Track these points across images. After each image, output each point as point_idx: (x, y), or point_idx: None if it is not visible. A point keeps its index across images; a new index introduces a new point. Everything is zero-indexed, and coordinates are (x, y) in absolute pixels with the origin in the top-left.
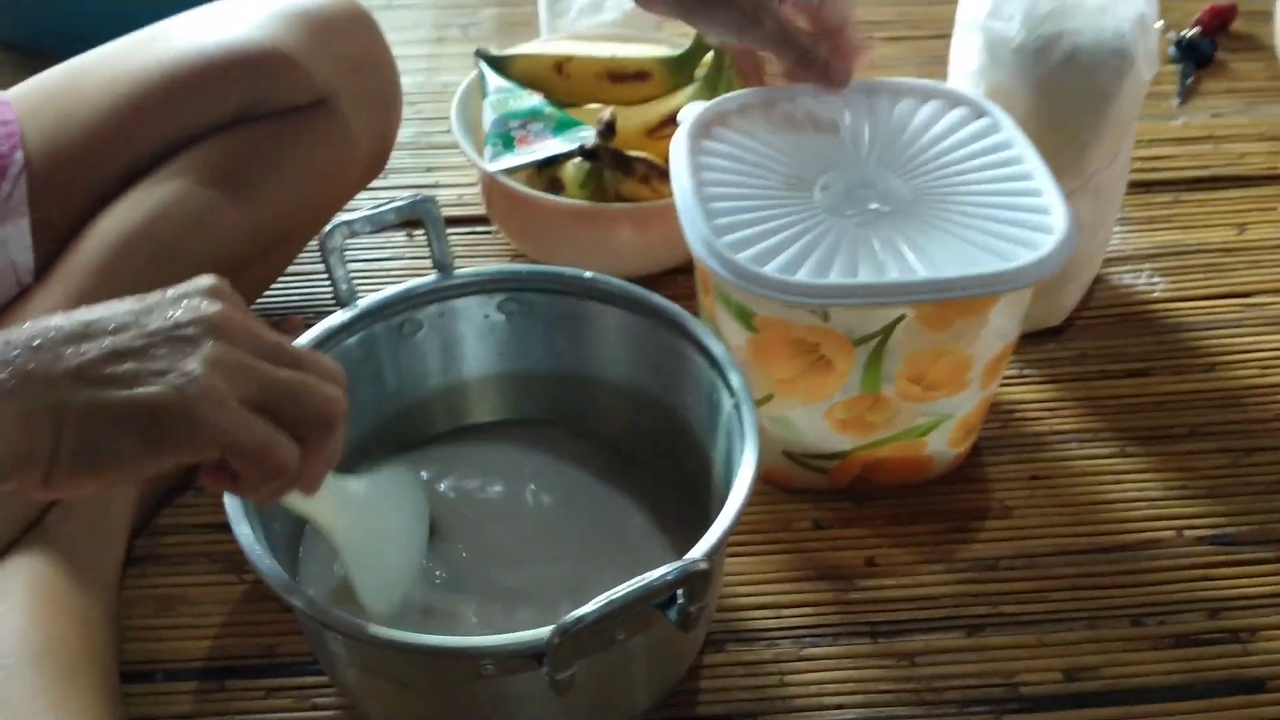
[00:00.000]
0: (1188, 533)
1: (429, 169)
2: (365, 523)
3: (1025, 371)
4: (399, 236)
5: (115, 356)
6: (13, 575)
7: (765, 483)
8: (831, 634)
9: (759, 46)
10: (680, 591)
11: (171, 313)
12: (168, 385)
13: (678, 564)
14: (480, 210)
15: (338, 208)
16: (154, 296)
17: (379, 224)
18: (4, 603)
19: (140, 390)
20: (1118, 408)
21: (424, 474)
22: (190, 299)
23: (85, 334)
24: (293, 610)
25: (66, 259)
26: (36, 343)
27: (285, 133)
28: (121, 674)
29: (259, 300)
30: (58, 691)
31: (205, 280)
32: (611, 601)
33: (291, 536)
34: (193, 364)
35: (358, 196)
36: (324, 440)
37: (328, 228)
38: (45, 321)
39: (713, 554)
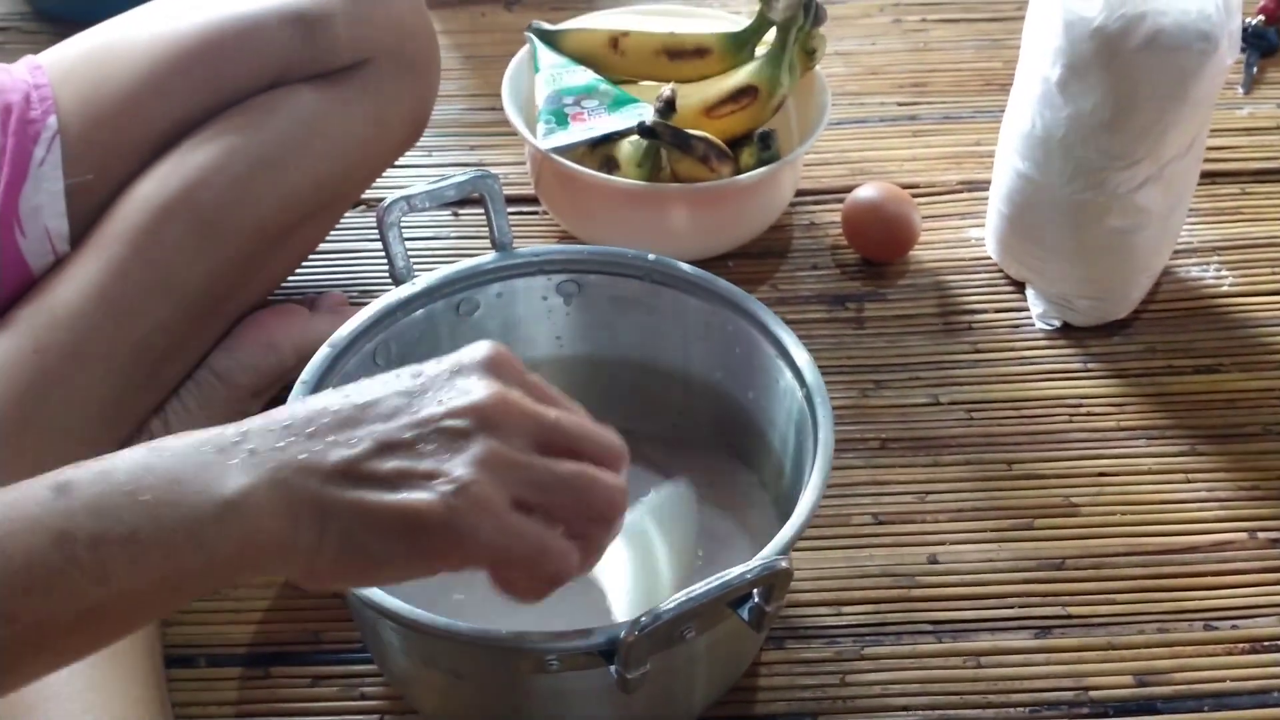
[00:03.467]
0: (1261, 534)
1: (473, 148)
2: (632, 558)
3: (1090, 366)
4: (444, 215)
5: (383, 450)
6: None
7: None
8: (894, 632)
9: None
10: (757, 590)
11: (445, 396)
12: (433, 493)
13: (758, 562)
14: (527, 190)
15: (376, 175)
16: (430, 370)
17: (439, 199)
18: None
19: (405, 496)
20: (1187, 404)
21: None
22: (464, 377)
23: (357, 419)
24: (344, 596)
25: (103, 227)
26: (309, 430)
27: (325, 97)
28: (165, 659)
29: (299, 271)
30: (101, 677)
31: (482, 350)
32: (691, 599)
33: None
34: (461, 468)
35: (407, 174)
36: (604, 535)
37: (385, 202)
38: (322, 402)
39: (788, 551)
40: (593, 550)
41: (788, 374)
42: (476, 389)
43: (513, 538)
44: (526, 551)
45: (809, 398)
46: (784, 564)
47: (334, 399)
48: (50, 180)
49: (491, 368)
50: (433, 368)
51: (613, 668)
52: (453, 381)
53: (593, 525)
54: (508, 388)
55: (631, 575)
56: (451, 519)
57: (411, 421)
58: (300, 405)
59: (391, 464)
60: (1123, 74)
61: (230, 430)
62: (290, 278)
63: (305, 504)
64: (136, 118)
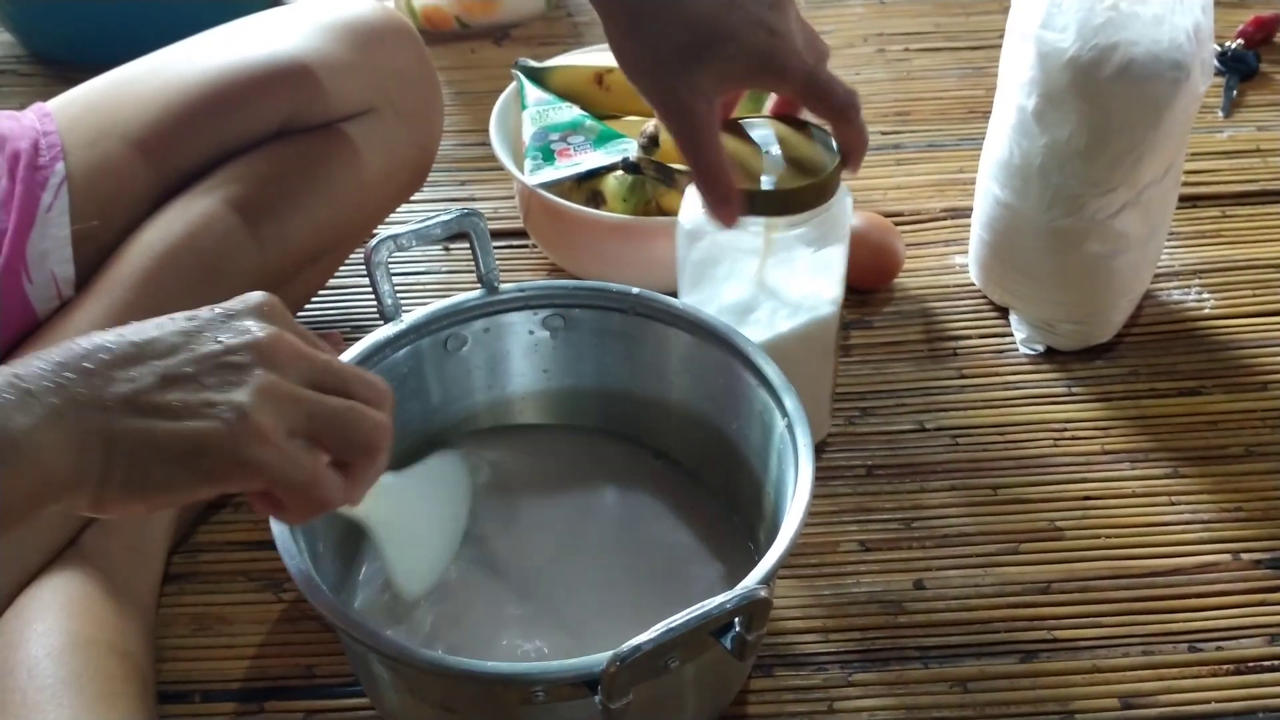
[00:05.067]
0: (1245, 556)
1: (463, 183)
2: (399, 512)
3: (1074, 390)
4: (435, 250)
5: (165, 383)
6: (51, 595)
7: None
8: (881, 658)
9: (783, 94)
10: (738, 619)
11: (221, 336)
12: (216, 419)
13: (737, 591)
14: (516, 224)
15: (380, 220)
16: (204, 314)
17: (425, 238)
18: (42, 623)
19: (188, 424)
20: (1170, 427)
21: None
22: (240, 319)
23: (136, 356)
24: (336, 631)
25: (108, 271)
26: (88, 365)
27: (328, 146)
28: (159, 694)
29: (300, 314)
30: (96, 713)
31: (255, 297)
32: (670, 630)
33: (336, 554)
34: (240, 395)
35: (396, 211)
36: (369, 466)
37: (373, 242)
38: (95, 340)
39: (770, 580)
40: (357, 481)
41: (770, 404)
42: (254, 329)
43: (289, 463)
44: (300, 477)
45: (790, 427)
46: (763, 593)
47: (108, 338)
48: (57, 226)
49: (265, 312)
50: (206, 312)
51: (597, 698)
52: (229, 323)
53: (359, 455)
54: (281, 329)
55: (400, 530)
56: (233, 444)
57: (192, 357)
58: (72, 344)
59: (175, 395)
60: (1097, 103)
61: (2, 374)
62: None
63: (89, 436)
64: (143, 165)
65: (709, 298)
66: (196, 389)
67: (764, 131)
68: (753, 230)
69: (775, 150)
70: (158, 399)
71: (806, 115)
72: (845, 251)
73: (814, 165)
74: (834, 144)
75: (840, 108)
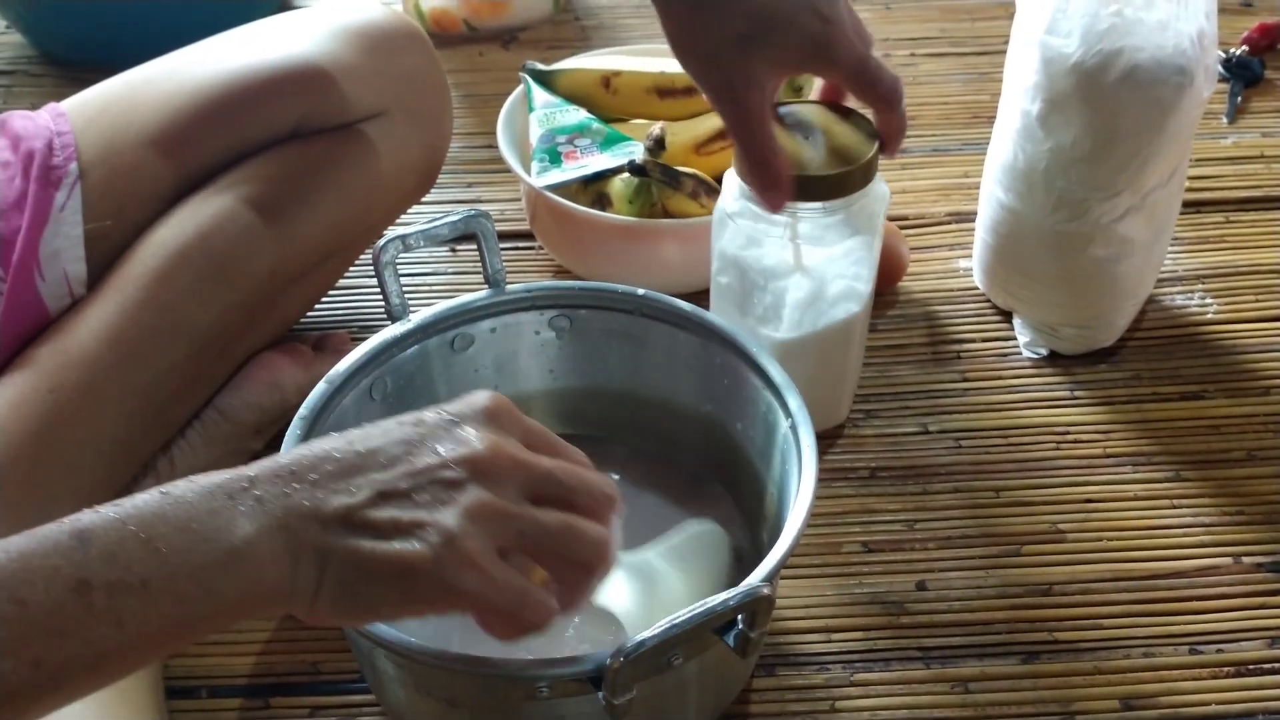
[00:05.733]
0: (1246, 559)
1: (470, 184)
2: (645, 598)
3: (1077, 393)
4: (442, 251)
5: (379, 499)
6: None
7: None
8: (883, 659)
9: (832, 79)
10: (740, 616)
11: (442, 446)
12: (423, 543)
13: (740, 589)
14: (523, 226)
15: (389, 222)
16: (430, 418)
17: (433, 239)
18: None
19: (396, 545)
20: (1172, 431)
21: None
22: (462, 427)
23: (359, 467)
24: (341, 628)
25: (119, 271)
26: (314, 476)
27: (340, 148)
28: (166, 690)
29: (309, 314)
30: (106, 708)
31: (481, 399)
32: (674, 626)
33: None
34: (449, 519)
35: (404, 212)
36: (585, 583)
37: (381, 242)
38: (324, 446)
39: (772, 578)
40: (574, 596)
41: (774, 405)
42: (473, 439)
43: (494, 588)
44: (507, 601)
45: (794, 428)
46: (765, 590)
47: (337, 444)
48: (70, 225)
49: (490, 418)
50: (432, 416)
51: (600, 694)
52: (451, 431)
53: (575, 572)
54: (504, 438)
55: (638, 610)
56: (438, 570)
57: (409, 471)
58: (306, 450)
59: (388, 513)
60: (1101, 108)
61: (238, 476)
62: None
63: (306, 550)
64: (155, 166)
65: (744, 284)
66: (410, 506)
67: (804, 117)
68: (789, 217)
69: (819, 136)
70: (370, 516)
71: (849, 100)
72: (879, 242)
73: (855, 151)
74: (871, 129)
75: (887, 95)
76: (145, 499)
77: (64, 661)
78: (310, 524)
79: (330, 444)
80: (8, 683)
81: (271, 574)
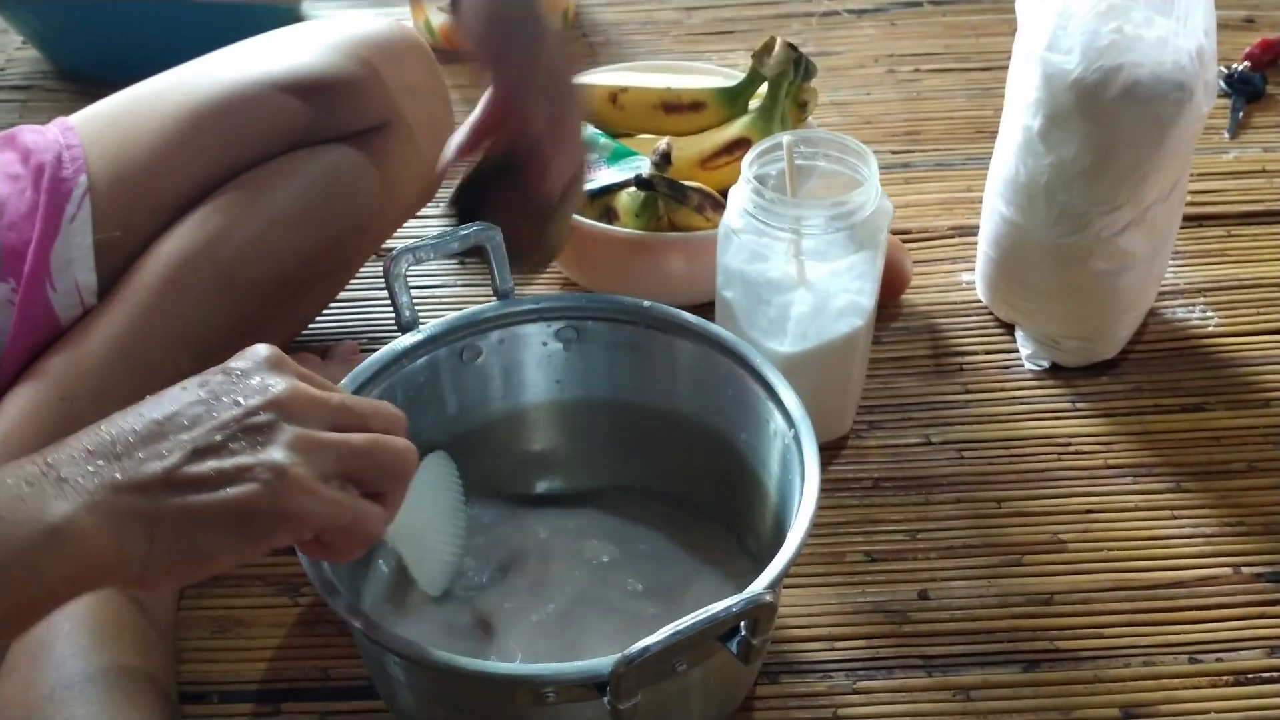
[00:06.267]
0: (1245, 569)
1: None
2: (411, 520)
3: (1078, 405)
4: (450, 264)
5: (196, 455)
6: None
7: None
8: (886, 667)
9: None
10: (744, 623)
11: (239, 397)
12: (256, 482)
13: (744, 596)
14: None
15: (393, 231)
16: (215, 378)
17: (443, 251)
18: (69, 621)
19: (229, 491)
20: (1173, 442)
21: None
22: (251, 377)
23: (160, 433)
24: (352, 633)
25: (129, 280)
26: (118, 450)
27: (344, 158)
28: (178, 695)
29: (316, 322)
30: (121, 712)
31: (260, 351)
32: (677, 632)
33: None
34: (274, 454)
35: (411, 223)
36: (399, 490)
37: (393, 254)
38: (119, 424)
39: (775, 586)
40: (392, 506)
41: (777, 415)
42: (270, 384)
43: (332, 507)
44: (345, 518)
45: (797, 438)
46: (768, 597)
47: (129, 418)
48: (80, 236)
49: (274, 365)
50: (215, 374)
51: (605, 699)
52: (243, 382)
53: (389, 482)
54: (293, 380)
55: (414, 536)
56: (277, 502)
57: (217, 425)
58: (98, 430)
59: (209, 465)
60: (1102, 123)
61: (32, 462)
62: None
63: (130, 519)
64: (163, 177)
65: (749, 299)
66: (228, 455)
67: None
68: (793, 233)
69: None
70: (193, 472)
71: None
72: (882, 256)
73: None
74: None
75: None
76: None
77: None
78: (127, 495)
79: (122, 419)
80: None
81: (96, 546)
